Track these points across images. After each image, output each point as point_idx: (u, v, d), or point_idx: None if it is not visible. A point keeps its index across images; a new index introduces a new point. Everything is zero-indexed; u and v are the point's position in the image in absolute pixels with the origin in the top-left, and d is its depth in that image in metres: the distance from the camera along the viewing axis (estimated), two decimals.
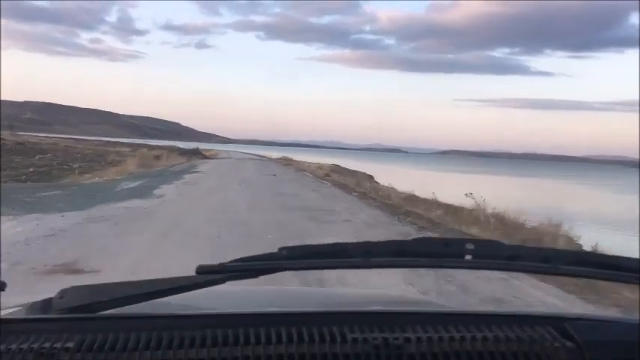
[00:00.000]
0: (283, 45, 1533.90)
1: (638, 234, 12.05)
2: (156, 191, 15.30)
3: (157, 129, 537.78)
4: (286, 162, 48.55)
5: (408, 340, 0.85)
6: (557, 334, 0.90)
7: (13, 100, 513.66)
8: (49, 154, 22.53)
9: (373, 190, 19.19)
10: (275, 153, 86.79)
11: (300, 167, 39.13)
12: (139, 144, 74.63)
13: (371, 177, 35.68)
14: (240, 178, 22.37)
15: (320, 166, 36.55)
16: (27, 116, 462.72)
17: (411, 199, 16.23)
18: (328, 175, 29.18)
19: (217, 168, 31.46)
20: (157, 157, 34.09)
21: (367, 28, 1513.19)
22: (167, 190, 15.96)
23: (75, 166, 22.54)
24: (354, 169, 40.70)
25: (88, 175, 17.74)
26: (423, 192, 16.94)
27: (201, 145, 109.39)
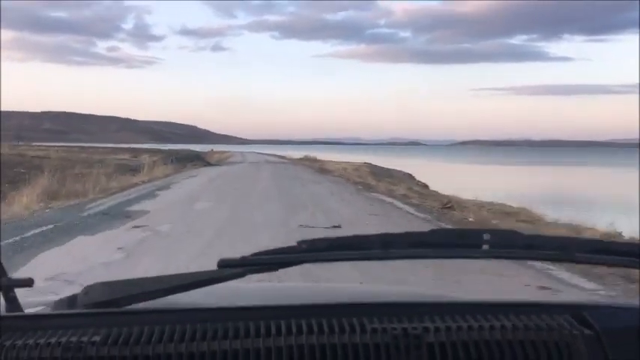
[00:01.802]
0: (299, 43, 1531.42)
1: None
2: None
3: (175, 133, 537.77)
4: (315, 164, 36.82)
5: (426, 329, 0.85)
6: (575, 322, 0.89)
7: (32, 111, 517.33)
8: None
9: None
10: (295, 152, 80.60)
11: (342, 173, 25.53)
12: (147, 149, 69.17)
13: (410, 176, 30.29)
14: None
15: (357, 168, 30.00)
16: (45, 127, 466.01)
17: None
18: (449, 208, 12.44)
19: (203, 190, 16.46)
20: (131, 171, 22.98)
21: (382, 22, 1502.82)
22: None
23: None
24: (381, 165, 35.43)
25: None
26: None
27: (218, 147, 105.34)
